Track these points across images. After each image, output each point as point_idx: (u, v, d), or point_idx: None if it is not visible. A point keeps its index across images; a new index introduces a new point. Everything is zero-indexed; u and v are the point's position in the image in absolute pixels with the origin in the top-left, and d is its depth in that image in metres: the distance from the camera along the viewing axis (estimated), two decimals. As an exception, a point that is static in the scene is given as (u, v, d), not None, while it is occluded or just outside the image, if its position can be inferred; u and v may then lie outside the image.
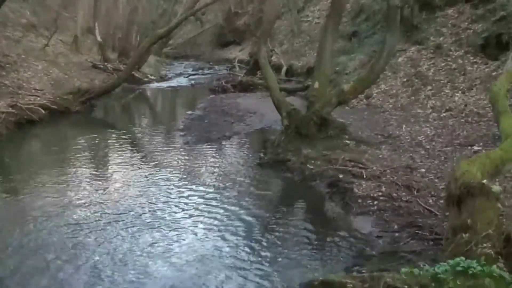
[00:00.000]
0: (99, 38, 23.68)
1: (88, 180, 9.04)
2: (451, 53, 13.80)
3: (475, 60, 13.25)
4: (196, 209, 7.68)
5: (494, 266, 4.12)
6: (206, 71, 28.78)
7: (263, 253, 6.20)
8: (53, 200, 7.84)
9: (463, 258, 4.26)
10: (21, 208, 7.65)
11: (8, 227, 6.83)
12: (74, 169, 9.71)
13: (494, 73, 12.13)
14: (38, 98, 14.94)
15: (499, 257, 4.37)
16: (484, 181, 4.89)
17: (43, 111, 14.14)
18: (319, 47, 11.11)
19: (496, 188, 5.01)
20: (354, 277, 4.36)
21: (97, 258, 5.96)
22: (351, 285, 4.23)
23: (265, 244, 6.50)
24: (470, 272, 4.05)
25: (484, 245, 4.42)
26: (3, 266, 5.72)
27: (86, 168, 9.98)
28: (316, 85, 10.41)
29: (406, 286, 4.12)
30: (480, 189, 4.88)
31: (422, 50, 14.60)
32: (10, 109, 13.26)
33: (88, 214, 7.35)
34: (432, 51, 14.33)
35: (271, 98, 11.23)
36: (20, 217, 7.22)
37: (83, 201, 7.88)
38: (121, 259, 5.96)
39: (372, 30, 18.20)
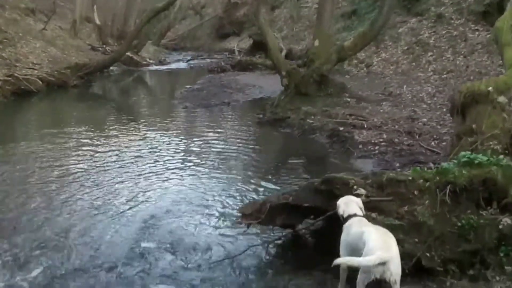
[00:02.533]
0: (97, 21, 23.55)
1: (87, 137, 8.83)
2: (452, 21, 13.69)
3: (476, 28, 13.13)
4: (197, 156, 7.56)
5: (501, 156, 3.98)
6: (205, 57, 28.58)
7: (264, 180, 6.15)
8: (51, 153, 7.61)
9: (468, 152, 4.12)
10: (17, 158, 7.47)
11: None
12: (74, 129, 9.44)
13: (496, 37, 11.98)
14: (36, 71, 14.82)
15: (506, 152, 4.24)
16: (490, 88, 4.74)
17: (40, 82, 14.05)
18: (319, 7, 10.97)
19: (502, 98, 4.87)
20: (356, 175, 4.22)
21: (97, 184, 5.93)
22: (353, 181, 4.09)
23: (265, 176, 6.43)
24: (476, 162, 3.92)
25: (490, 143, 4.28)
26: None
27: (86, 129, 9.67)
28: (316, 43, 10.27)
29: (409, 177, 3.98)
30: (486, 96, 4.75)
31: (423, 20, 14.49)
32: (7, 77, 13.16)
33: (86, 159, 7.20)
34: (433, 20, 14.21)
35: (270, 57, 11.09)
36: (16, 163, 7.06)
37: (83, 151, 7.70)
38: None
39: (372, 7, 18.04)
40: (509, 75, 5.97)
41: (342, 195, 3.97)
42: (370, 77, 13.15)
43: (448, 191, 3.76)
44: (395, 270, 3.09)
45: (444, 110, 8.95)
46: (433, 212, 3.80)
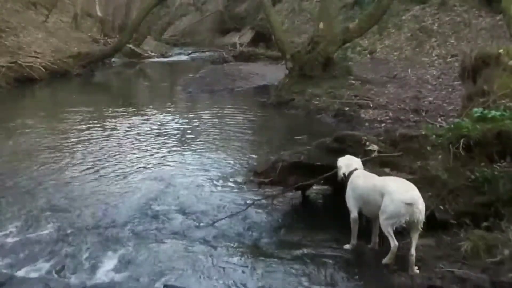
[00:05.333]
0: (99, 13, 23.50)
1: (94, 115, 8.81)
2: (455, 8, 13.69)
3: (480, 14, 13.12)
4: (204, 131, 7.58)
5: (515, 111, 3.97)
6: (206, 51, 28.50)
7: (269, 152, 6.12)
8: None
9: (481, 108, 4.12)
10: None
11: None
12: (81, 109, 9.29)
13: (500, 22, 11.96)
14: (38, 59, 14.78)
15: (519, 110, 4.22)
16: (501, 50, 4.73)
17: (43, 70, 14.02)
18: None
19: (512, 62, 4.85)
20: (368, 133, 4.22)
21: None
22: (366, 138, 4.09)
23: (271, 149, 6.40)
24: (490, 116, 3.91)
25: (503, 101, 4.28)
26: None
27: (92, 109, 9.55)
28: (321, 25, 10.22)
29: (422, 133, 3.98)
30: (496, 58, 4.74)
31: (426, 8, 14.46)
32: (10, 64, 13.15)
33: (94, 132, 7.19)
34: (436, 8, 14.19)
35: (274, 39, 11.06)
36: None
37: (91, 126, 7.65)
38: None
39: (374, -3, 18.01)
40: (517, 45, 5.98)
41: (354, 153, 3.98)
42: (373, 63, 13.13)
43: (461, 144, 3.76)
44: (422, 208, 3.13)
45: (450, 90, 8.96)
46: (446, 166, 3.81)
